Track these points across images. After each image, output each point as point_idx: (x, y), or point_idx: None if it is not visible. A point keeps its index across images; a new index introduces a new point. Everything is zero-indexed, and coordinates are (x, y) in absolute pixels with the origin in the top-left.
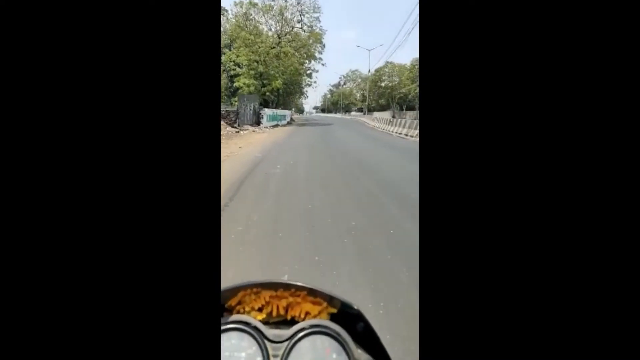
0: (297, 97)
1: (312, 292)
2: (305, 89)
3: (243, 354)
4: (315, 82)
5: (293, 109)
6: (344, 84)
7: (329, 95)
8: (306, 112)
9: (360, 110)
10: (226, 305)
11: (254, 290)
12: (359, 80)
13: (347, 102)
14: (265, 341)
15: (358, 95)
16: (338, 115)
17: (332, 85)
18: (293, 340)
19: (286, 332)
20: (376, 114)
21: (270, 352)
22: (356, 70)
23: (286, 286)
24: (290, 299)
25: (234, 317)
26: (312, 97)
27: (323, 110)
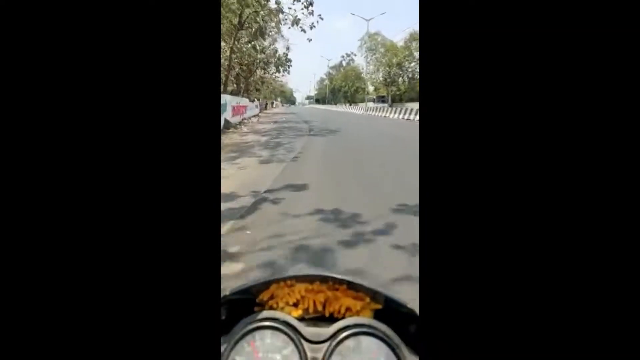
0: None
1: (352, 286)
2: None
3: (278, 356)
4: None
5: (279, 100)
6: (348, 63)
7: (327, 82)
8: (298, 104)
9: (382, 99)
10: (257, 300)
11: (288, 283)
12: (382, 50)
13: (359, 87)
14: (303, 341)
15: (380, 74)
16: (357, 111)
17: (331, 67)
18: (335, 342)
19: (326, 331)
20: None
21: (309, 354)
22: (376, 33)
23: (323, 279)
24: (329, 293)
25: (267, 313)
26: (304, 82)
27: (318, 101)
